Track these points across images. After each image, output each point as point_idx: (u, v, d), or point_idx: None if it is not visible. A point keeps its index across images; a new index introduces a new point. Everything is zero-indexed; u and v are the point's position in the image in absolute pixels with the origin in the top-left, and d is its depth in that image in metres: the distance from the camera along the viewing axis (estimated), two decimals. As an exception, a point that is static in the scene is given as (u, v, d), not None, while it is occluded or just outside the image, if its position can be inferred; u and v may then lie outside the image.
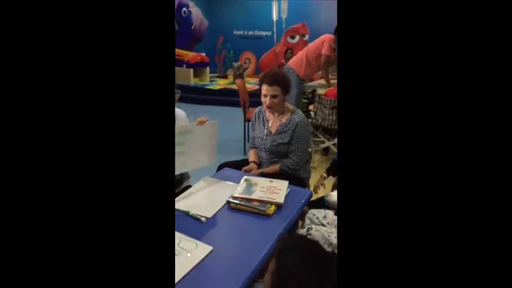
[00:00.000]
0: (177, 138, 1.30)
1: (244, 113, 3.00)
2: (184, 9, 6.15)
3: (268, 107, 1.57)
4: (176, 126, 1.40)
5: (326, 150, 2.98)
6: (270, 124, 1.65)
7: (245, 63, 6.53)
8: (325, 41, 2.78)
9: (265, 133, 1.64)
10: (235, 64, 6.10)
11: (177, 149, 1.31)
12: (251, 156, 1.69)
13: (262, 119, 1.69)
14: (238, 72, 5.94)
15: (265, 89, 1.55)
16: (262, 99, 1.58)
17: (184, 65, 5.64)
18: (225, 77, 6.69)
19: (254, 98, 2.96)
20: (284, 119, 1.62)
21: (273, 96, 1.54)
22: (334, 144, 2.72)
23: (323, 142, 2.79)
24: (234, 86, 5.56)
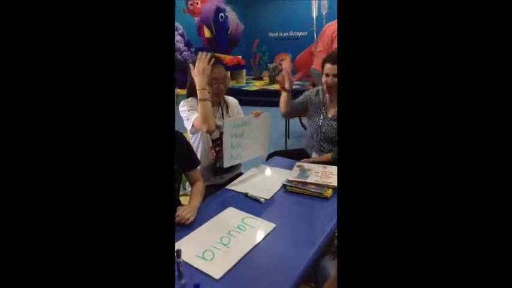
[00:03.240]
0: (236, 130, 1.34)
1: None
2: (221, 14, 6.33)
3: (329, 86, 1.56)
4: (232, 118, 1.45)
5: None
6: (326, 107, 1.64)
7: (280, 64, 6.56)
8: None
9: (322, 116, 1.64)
10: (271, 65, 6.15)
11: (234, 141, 1.35)
12: None
13: (318, 101, 1.67)
14: (274, 73, 5.98)
15: (328, 67, 1.55)
16: (324, 79, 1.58)
17: (222, 68, 5.79)
18: (261, 78, 6.76)
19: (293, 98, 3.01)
20: None
21: (334, 75, 1.53)
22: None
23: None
24: (269, 87, 5.61)
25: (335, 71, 1.52)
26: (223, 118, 1.44)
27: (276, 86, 4.94)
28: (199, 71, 1.28)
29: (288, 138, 3.23)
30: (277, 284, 0.77)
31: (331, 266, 0.91)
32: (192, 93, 1.43)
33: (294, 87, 1.77)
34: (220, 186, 1.33)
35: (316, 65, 3.30)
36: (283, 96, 1.66)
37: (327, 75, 1.55)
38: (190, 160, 1.22)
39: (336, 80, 1.53)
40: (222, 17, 6.38)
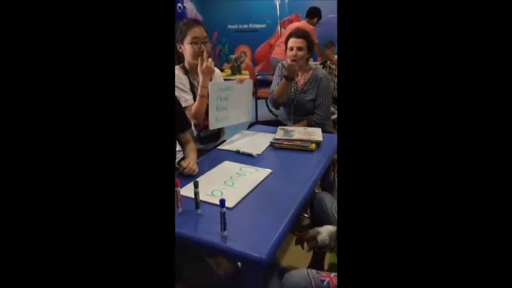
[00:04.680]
0: (221, 93, 1.41)
1: (256, 91, 3.12)
2: (179, 4, 6.21)
3: (293, 60, 1.65)
4: (218, 81, 1.51)
5: (335, 124, 3.11)
6: (295, 81, 1.76)
7: (240, 56, 6.64)
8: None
9: (293, 90, 1.76)
10: (233, 56, 6.20)
11: (220, 104, 1.41)
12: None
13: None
14: (235, 64, 6.05)
15: (292, 41, 1.66)
16: (288, 53, 1.68)
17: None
18: (222, 71, 6.77)
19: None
20: (308, 76, 1.74)
21: (299, 49, 1.64)
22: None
23: (333, 113, 2.91)
24: (232, 78, 5.65)
25: (298, 44, 1.64)
26: None
27: (239, 77, 5.01)
28: (206, 69, 1.34)
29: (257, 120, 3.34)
30: (284, 208, 0.86)
31: (325, 197, 1.04)
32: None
33: (257, 77, 1.82)
34: (207, 152, 1.39)
35: (276, 53, 3.43)
36: (286, 83, 1.66)
37: (291, 48, 1.65)
38: (184, 122, 1.26)
39: (299, 53, 1.64)
40: (180, 7, 6.26)
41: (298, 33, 1.66)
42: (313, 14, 3.41)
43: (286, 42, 1.71)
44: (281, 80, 1.70)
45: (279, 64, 1.83)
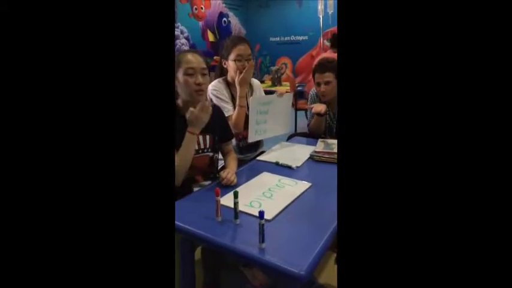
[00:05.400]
0: (261, 107, 1.43)
1: (296, 102, 3.12)
2: (224, 19, 6.48)
3: (323, 94, 1.62)
4: (259, 95, 1.53)
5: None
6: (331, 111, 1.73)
7: (281, 68, 6.70)
8: None
9: (329, 118, 1.72)
10: (273, 68, 6.28)
11: (259, 117, 1.43)
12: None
13: (320, 102, 1.73)
14: (276, 76, 6.10)
15: (317, 77, 1.62)
16: (316, 88, 1.66)
17: (225, 71, 5.90)
18: (262, 82, 6.88)
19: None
20: None
21: (326, 83, 1.60)
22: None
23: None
24: (272, 89, 5.71)
25: (325, 78, 1.60)
26: (247, 98, 1.52)
27: (279, 88, 5.06)
28: (243, 80, 1.37)
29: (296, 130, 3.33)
30: (324, 224, 0.84)
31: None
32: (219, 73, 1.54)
33: (297, 88, 1.80)
34: (246, 162, 1.41)
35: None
36: (318, 119, 1.66)
37: (319, 84, 1.62)
38: (227, 132, 1.30)
39: (327, 86, 1.60)
40: (225, 21, 6.53)
41: (323, 68, 1.61)
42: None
43: (313, 78, 1.68)
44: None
45: (309, 96, 1.79)
